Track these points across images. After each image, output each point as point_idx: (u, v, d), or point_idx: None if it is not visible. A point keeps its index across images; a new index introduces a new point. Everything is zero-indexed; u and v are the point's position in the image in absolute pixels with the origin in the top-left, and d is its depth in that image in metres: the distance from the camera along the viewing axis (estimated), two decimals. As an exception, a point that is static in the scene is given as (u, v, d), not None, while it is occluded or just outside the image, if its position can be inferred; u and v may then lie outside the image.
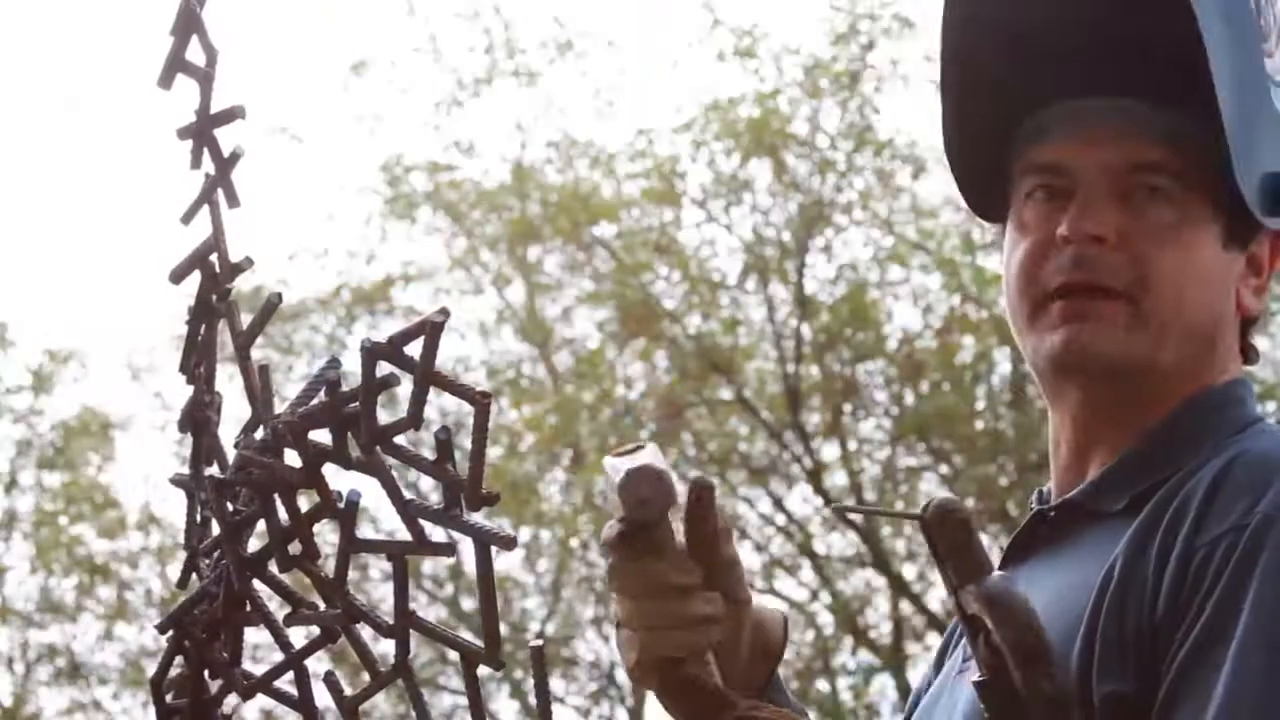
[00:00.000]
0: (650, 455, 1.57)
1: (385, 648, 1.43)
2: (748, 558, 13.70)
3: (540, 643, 1.43)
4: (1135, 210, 1.64)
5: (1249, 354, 1.72)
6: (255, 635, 1.50)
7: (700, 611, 1.55)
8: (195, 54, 1.51)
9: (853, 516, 13.56)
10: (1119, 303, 1.63)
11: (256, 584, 1.46)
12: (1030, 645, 1.44)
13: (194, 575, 1.50)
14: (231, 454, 1.48)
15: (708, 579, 1.57)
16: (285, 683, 1.47)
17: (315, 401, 1.42)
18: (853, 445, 14.00)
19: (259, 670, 1.47)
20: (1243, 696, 1.45)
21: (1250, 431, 1.64)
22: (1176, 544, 1.53)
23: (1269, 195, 1.63)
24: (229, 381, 1.50)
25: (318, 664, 1.49)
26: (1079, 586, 1.57)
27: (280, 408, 1.45)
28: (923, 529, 1.48)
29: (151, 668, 1.50)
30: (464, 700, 1.43)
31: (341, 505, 1.42)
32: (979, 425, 13.68)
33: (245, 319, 1.49)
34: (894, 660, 13.70)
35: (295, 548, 1.43)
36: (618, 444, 1.92)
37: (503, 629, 1.45)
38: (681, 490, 1.59)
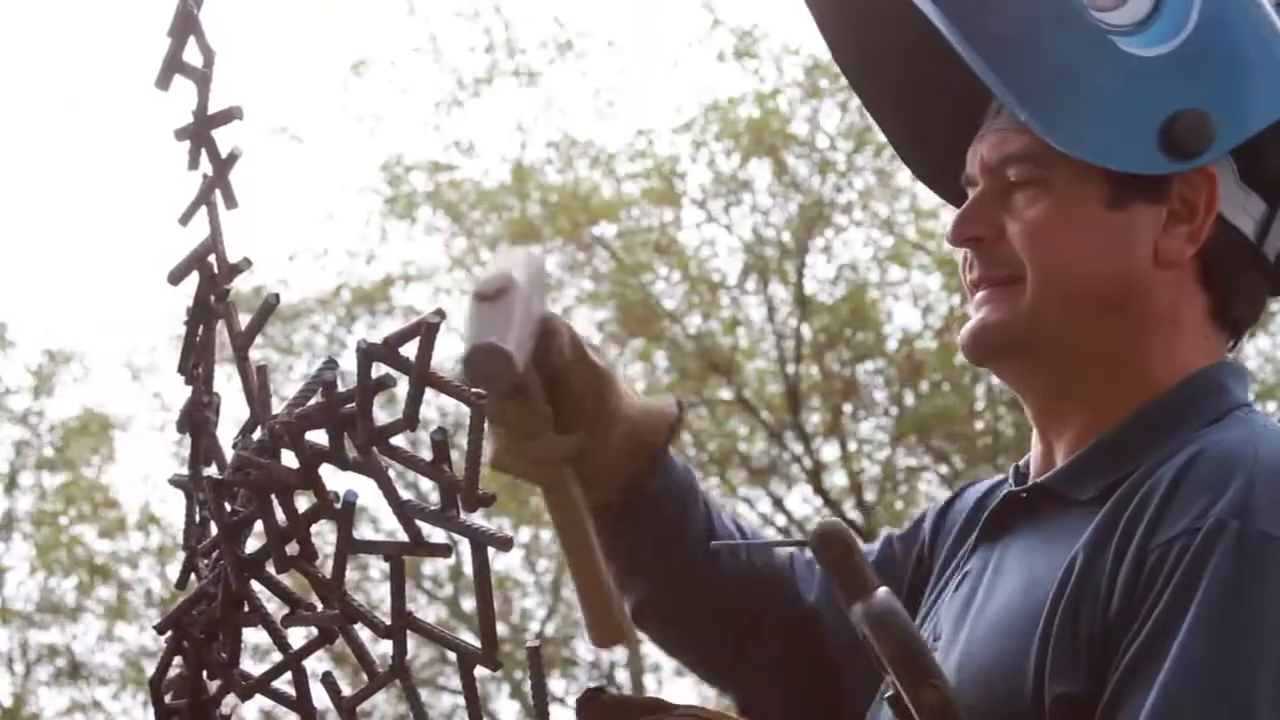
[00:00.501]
0: (503, 315, 1.66)
1: (384, 648, 1.44)
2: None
3: (538, 644, 1.43)
4: (1010, 200, 1.68)
5: (1229, 312, 1.69)
6: (253, 636, 1.50)
7: (542, 455, 1.74)
8: (193, 55, 1.51)
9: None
10: (1011, 288, 1.68)
11: (255, 584, 1.46)
12: (909, 660, 1.44)
13: (193, 576, 1.50)
14: (230, 454, 1.48)
15: (568, 413, 1.74)
16: (283, 683, 1.47)
17: (312, 402, 1.42)
18: (853, 445, 14.00)
19: (257, 671, 1.47)
20: (1181, 697, 1.45)
21: (1226, 420, 1.62)
22: (1133, 544, 1.52)
23: (1165, 138, 1.63)
24: (228, 382, 1.50)
25: (316, 664, 1.49)
26: (1041, 582, 1.58)
27: (279, 408, 1.45)
28: (813, 554, 1.51)
29: (151, 668, 1.50)
30: (464, 700, 1.43)
31: (339, 506, 1.41)
32: (979, 425, 13.68)
33: (244, 319, 1.49)
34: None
35: (293, 548, 1.43)
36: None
37: (502, 629, 1.46)
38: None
